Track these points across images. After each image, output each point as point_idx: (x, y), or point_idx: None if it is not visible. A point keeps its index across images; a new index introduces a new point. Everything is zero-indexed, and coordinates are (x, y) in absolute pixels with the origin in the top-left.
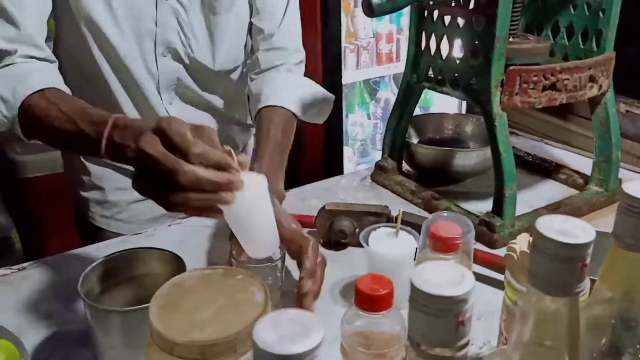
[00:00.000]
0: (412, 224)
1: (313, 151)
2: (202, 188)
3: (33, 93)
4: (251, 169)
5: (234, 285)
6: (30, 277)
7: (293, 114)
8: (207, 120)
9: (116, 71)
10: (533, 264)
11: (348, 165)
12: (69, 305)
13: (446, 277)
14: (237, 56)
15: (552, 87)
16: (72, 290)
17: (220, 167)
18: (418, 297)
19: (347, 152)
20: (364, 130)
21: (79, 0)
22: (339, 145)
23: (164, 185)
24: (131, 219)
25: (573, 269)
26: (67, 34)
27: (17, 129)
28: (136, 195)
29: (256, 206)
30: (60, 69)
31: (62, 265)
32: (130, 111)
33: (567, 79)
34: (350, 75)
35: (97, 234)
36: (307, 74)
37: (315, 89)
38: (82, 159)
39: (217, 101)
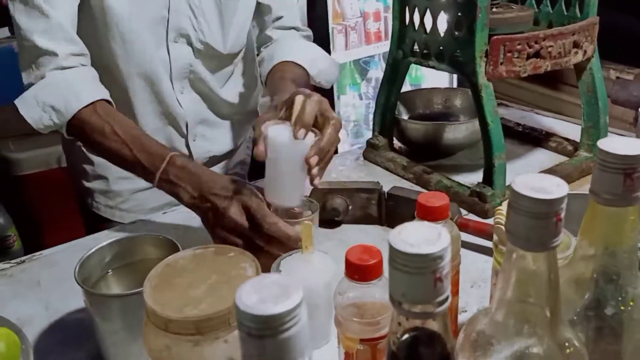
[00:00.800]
0: (404, 199)
1: None
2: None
3: (85, 106)
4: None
5: (226, 262)
6: (30, 270)
7: (305, 71)
8: (214, 111)
9: (130, 58)
10: (511, 223)
11: (342, 146)
12: (69, 294)
13: (423, 236)
14: (244, 38)
15: (537, 54)
16: (71, 280)
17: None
18: (396, 256)
19: (340, 133)
20: (356, 111)
21: None
22: None
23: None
24: (135, 208)
25: (548, 224)
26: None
27: (62, 130)
28: (139, 184)
29: (288, 165)
30: None
31: (60, 256)
32: (143, 97)
33: (551, 46)
34: (339, 56)
35: (102, 225)
36: None
37: (323, 53)
38: (84, 150)
39: (226, 89)
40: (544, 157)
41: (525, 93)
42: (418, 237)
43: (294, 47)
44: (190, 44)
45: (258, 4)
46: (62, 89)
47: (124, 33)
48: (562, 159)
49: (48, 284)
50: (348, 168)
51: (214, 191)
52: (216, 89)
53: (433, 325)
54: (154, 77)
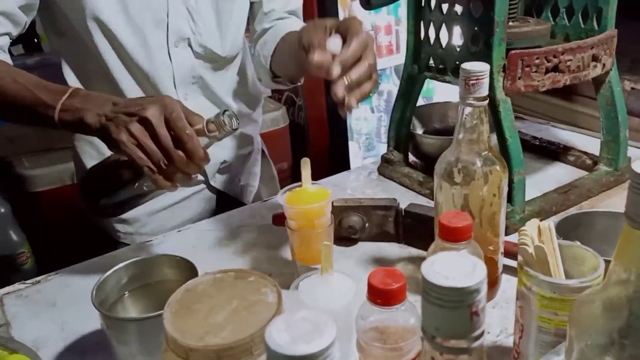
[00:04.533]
0: (422, 216)
1: (318, 148)
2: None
3: None
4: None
5: (246, 287)
6: (45, 290)
7: None
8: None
9: (128, 68)
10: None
11: (354, 160)
12: (85, 315)
13: (457, 267)
14: (240, 41)
15: (555, 69)
16: (88, 301)
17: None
18: (430, 289)
19: (352, 147)
20: (368, 124)
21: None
22: (344, 140)
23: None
24: (157, 230)
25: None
26: (70, 35)
27: None
28: (155, 205)
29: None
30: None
31: (76, 276)
32: None
33: (570, 60)
34: None
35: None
36: None
37: None
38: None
39: (227, 94)
40: (562, 171)
41: (540, 105)
42: (452, 269)
43: (293, 23)
44: (190, 47)
45: (251, 3)
46: None
47: (122, 40)
48: (582, 173)
49: (64, 305)
50: (362, 183)
51: (127, 102)
52: (221, 95)
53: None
54: (156, 83)
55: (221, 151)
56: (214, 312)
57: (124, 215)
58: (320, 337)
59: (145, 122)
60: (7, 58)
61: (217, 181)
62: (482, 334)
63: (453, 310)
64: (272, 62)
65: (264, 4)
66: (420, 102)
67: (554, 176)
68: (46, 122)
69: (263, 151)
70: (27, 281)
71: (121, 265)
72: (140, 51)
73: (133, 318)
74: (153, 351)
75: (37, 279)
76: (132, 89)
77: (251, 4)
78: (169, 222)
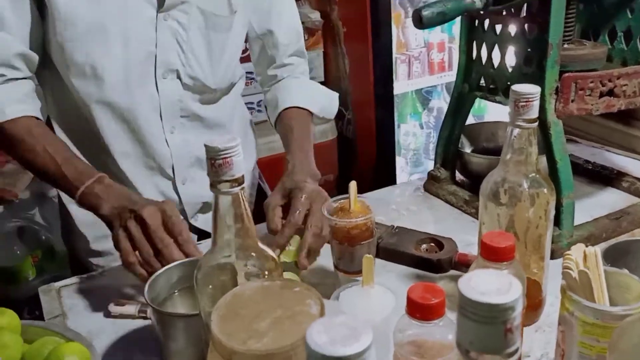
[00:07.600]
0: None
1: (365, 162)
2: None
3: (9, 121)
4: (285, 160)
5: (292, 297)
6: (99, 284)
7: (308, 111)
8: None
9: (107, 103)
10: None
11: (401, 175)
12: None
13: (494, 284)
14: (234, 74)
15: (610, 93)
16: (140, 296)
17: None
18: (466, 304)
19: (399, 162)
20: (416, 140)
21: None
22: (392, 155)
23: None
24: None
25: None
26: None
27: None
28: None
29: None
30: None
31: (126, 272)
32: (122, 142)
33: (626, 85)
34: (401, 85)
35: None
36: (359, 85)
37: (320, 88)
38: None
39: (219, 123)
40: (615, 197)
41: (595, 127)
42: (488, 285)
43: (294, 90)
44: (178, 80)
45: (263, 41)
46: None
47: (101, 75)
48: (635, 200)
49: (117, 298)
50: (407, 199)
51: (138, 199)
52: (210, 124)
53: None
54: (137, 115)
55: (199, 189)
56: (259, 318)
57: (99, 248)
58: (357, 341)
59: (143, 221)
60: (36, 108)
61: (199, 220)
62: (516, 351)
63: (487, 326)
64: (276, 126)
65: (267, 48)
66: (471, 120)
67: (606, 202)
68: (66, 193)
69: (260, 185)
70: (83, 275)
71: (171, 265)
72: (121, 84)
73: (182, 314)
74: (199, 347)
75: (92, 273)
76: (108, 124)
77: (250, 40)
78: None
